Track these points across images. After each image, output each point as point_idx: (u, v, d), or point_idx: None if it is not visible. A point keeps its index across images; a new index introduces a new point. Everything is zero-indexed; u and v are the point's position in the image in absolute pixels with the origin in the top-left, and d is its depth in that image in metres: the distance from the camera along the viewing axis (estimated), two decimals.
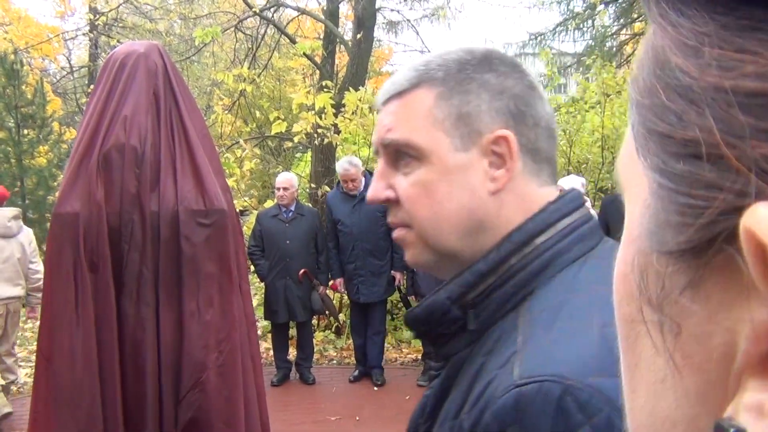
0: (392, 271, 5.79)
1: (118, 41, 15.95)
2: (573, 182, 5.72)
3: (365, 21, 8.45)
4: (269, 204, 7.02)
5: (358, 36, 8.25)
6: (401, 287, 6.05)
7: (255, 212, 7.19)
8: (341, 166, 5.72)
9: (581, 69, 17.10)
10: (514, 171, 0.78)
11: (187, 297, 2.62)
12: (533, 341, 0.67)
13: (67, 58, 21.10)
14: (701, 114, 0.21)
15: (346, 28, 14.32)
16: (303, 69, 13.73)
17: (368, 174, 5.74)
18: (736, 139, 0.20)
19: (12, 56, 12.64)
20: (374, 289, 5.70)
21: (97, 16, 12.11)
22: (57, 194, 2.69)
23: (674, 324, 0.24)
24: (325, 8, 9.90)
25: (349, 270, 5.77)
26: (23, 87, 12.85)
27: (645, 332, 0.26)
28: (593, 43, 16.82)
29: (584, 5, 16.49)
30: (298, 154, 9.72)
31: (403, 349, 6.94)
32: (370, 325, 5.89)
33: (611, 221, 5.34)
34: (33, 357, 6.95)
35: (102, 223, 2.57)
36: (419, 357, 6.38)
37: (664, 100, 0.23)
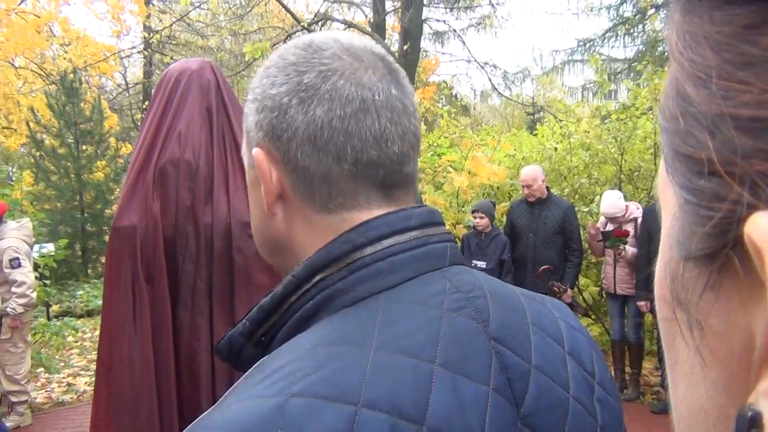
0: None
1: (171, 58, 16.42)
2: (610, 197, 5.63)
3: (412, 32, 8.50)
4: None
5: (405, 47, 8.30)
6: None
7: None
8: None
9: (632, 75, 16.84)
10: (277, 194, 0.70)
11: (239, 307, 2.68)
12: (221, 402, 0.57)
13: (123, 76, 21.82)
14: (710, 137, 0.24)
15: (393, 39, 14.42)
16: None
17: None
18: (737, 157, 0.23)
19: (71, 75, 13.13)
20: None
21: (151, 35, 12.48)
22: (115, 208, 2.78)
23: (699, 323, 0.27)
24: (371, 21, 10.01)
25: None
26: (82, 104, 13.34)
27: (679, 331, 0.29)
28: (644, 48, 16.53)
29: (634, 10, 16.25)
30: None
31: None
32: None
33: (651, 230, 5.27)
34: (92, 366, 7.17)
35: (158, 236, 2.65)
36: None
37: (683, 126, 0.26)
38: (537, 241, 5.53)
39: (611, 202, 5.62)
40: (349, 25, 10.80)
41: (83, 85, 13.90)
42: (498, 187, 7.80)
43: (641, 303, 5.42)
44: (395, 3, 11.62)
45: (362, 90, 0.68)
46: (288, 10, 9.64)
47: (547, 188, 5.72)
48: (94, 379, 2.74)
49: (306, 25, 9.17)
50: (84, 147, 13.35)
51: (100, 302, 10.57)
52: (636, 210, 5.71)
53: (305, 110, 0.66)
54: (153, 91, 3.04)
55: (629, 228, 5.59)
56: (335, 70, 0.68)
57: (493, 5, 14.81)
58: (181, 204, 2.69)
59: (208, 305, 2.68)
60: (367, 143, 0.67)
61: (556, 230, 5.49)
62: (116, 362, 2.59)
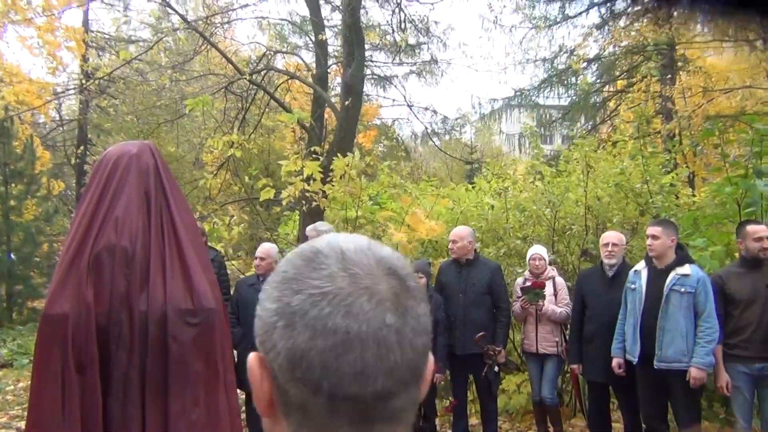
0: None
1: (108, 98, 16.14)
2: (538, 250, 5.84)
3: (354, 87, 8.64)
4: (251, 272, 6.95)
5: (347, 102, 8.41)
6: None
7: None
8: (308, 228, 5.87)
9: (565, 124, 17.49)
10: (268, 401, 0.70)
11: (173, 397, 2.64)
12: None
13: (57, 111, 21.23)
14: None
15: (335, 83, 14.60)
16: (292, 126, 13.90)
17: None
18: None
19: (2, 113, 12.74)
20: None
21: (89, 82, 12.25)
22: (47, 295, 2.72)
23: None
24: (314, 73, 10.11)
25: None
26: (14, 143, 12.93)
27: None
28: (577, 99, 17.24)
29: (567, 63, 16.95)
30: (287, 212, 9.79)
31: None
32: None
33: (585, 295, 5.35)
34: (14, 423, 6.81)
35: (90, 324, 2.61)
36: None
37: None
38: (466, 301, 5.58)
39: (535, 248, 5.89)
40: (292, 76, 10.89)
41: (15, 124, 13.49)
42: (436, 242, 7.93)
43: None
44: (338, 53, 11.81)
45: (349, 320, 0.63)
46: (229, 60, 9.63)
47: (475, 251, 5.83)
48: None
49: (248, 76, 9.20)
50: (13, 184, 12.93)
51: (23, 355, 10.08)
52: (552, 270, 5.88)
53: (288, 335, 0.64)
54: (90, 173, 3.03)
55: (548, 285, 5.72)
56: (326, 295, 0.64)
57: (433, 58, 15.21)
58: (116, 291, 2.66)
59: (140, 395, 2.63)
60: (344, 379, 0.63)
61: (484, 290, 5.57)
62: None
